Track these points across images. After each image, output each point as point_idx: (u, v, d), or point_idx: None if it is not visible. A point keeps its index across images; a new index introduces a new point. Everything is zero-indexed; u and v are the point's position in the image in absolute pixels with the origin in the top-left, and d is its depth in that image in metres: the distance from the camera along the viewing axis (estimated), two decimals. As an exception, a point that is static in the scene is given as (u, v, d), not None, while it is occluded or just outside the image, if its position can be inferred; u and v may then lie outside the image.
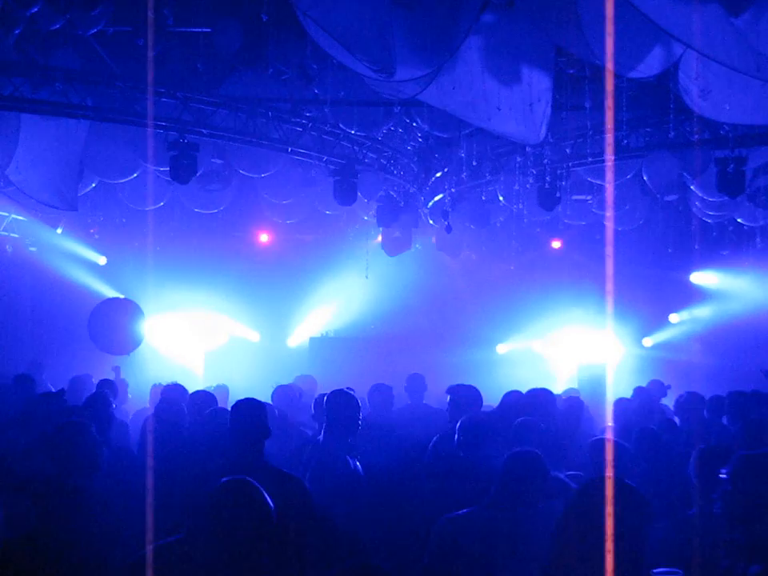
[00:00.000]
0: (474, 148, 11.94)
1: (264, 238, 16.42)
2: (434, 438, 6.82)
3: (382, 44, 6.38)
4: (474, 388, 7.30)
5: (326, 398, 5.91)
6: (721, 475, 3.87)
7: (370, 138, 11.56)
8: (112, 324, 12.15)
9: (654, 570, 3.34)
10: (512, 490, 4.58)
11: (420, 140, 12.24)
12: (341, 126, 10.68)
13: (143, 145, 10.66)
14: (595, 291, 15.99)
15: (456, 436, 6.16)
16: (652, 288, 16.56)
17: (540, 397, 7.56)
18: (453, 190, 13.10)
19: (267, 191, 12.68)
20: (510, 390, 7.99)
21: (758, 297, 16.14)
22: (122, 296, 13.57)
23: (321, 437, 5.87)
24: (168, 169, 10.43)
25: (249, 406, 5.11)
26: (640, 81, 8.28)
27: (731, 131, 10.03)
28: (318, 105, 10.55)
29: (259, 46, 9.54)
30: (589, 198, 12.72)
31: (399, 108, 10.19)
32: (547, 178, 11.49)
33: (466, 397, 7.13)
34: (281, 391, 9.60)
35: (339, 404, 5.78)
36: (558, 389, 10.88)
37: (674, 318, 17.49)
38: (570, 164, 11.45)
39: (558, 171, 11.50)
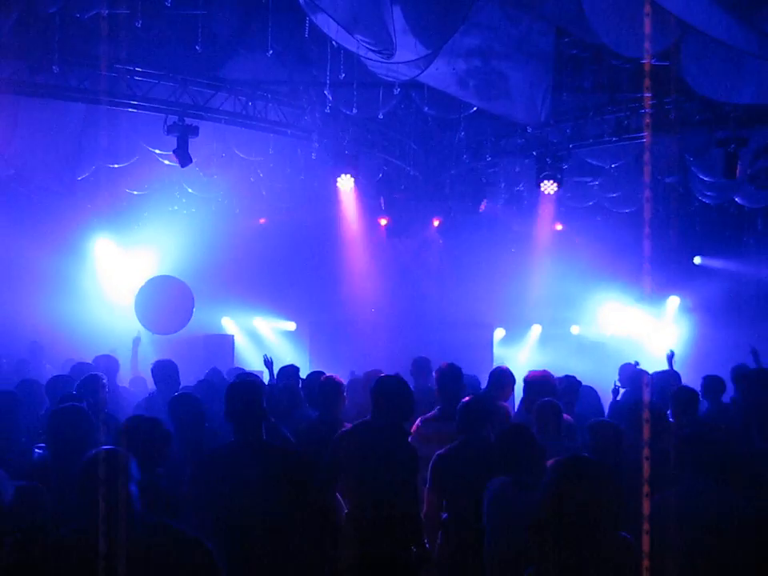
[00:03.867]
0: (474, 129, 11.91)
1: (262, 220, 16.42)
2: (418, 421, 6.84)
3: (382, 25, 6.35)
4: (459, 368, 7.29)
5: (376, 382, 5.91)
6: None
7: (369, 120, 11.52)
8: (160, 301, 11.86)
9: None
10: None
11: (420, 122, 12.19)
12: (340, 107, 10.64)
13: (142, 129, 10.64)
14: (598, 274, 16.05)
15: (457, 418, 6.17)
16: (654, 270, 16.53)
17: (539, 378, 7.60)
18: (453, 171, 13.08)
19: (266, 174, 12.66)
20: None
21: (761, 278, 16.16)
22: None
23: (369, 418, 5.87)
24: (169, 152, 10.40)
25: (245, 387, 5.15)
26: (641, 61, 8.24)
27: (732, 112, 9.99)
28: (318, 87, 10.51)
29: (258, 29, 9.49)
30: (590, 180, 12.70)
31: (399, 90, 10.15)
32: (548, 160, 11.45)
33: (452, 377, 7.10)
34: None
35: (391, 388, 5.78)
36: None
37: (674, 299, 17.49)
38: (570, 145, 11.41)
39: (559, 153, 11.46)
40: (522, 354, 17.27)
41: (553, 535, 3.17)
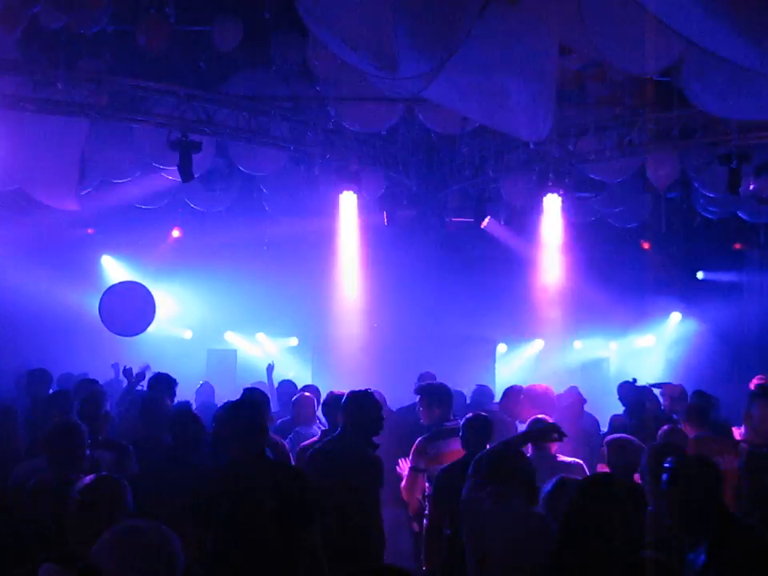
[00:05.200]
0: (477, 145, 11.92)
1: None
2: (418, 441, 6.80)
3: (385, 41, 6.36)
4: (445, 385, 7.27)
5: (346, 397, 5.93)
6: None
7: (372, 135, 11.54)
8: (123, 305, 12.04)
9: None
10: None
11: (422, 137, 12.21)
12: (343, 123, 10.66)
13: (145, 144, 10.66)
14: (598, 289, 16.02)
15: (461, 434, 6.17)
16: (657, 284, 16.54)
17: (539, 392, 7.63)
18: (455, 187, 13.09)
19: (268, 189, 12.67)
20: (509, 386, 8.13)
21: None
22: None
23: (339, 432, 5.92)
24: (171, 168, 10.41)
25: (251, 403, 5.17)
26: (643, 76, 8.26)
27: (735, 127, 9.99)
28: (321, 102, 10.54)
29: (262, 44, 9.54)
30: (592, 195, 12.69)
31: (402, 105, 10.17)
32: (550, 175, 11.45)
33: (438, 395, 7.07)
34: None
35: (361, 403, 5.82)
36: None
37: (676, 315, 17.43)
38: (573, 161, 11.41)
39: (562, 168, 11.46)
40: (523, 369, 17.22)
41: (576, 554, 3.12)
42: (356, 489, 5.63)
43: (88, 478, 4.07)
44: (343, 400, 5.90)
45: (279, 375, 11.52)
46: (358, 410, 5.79)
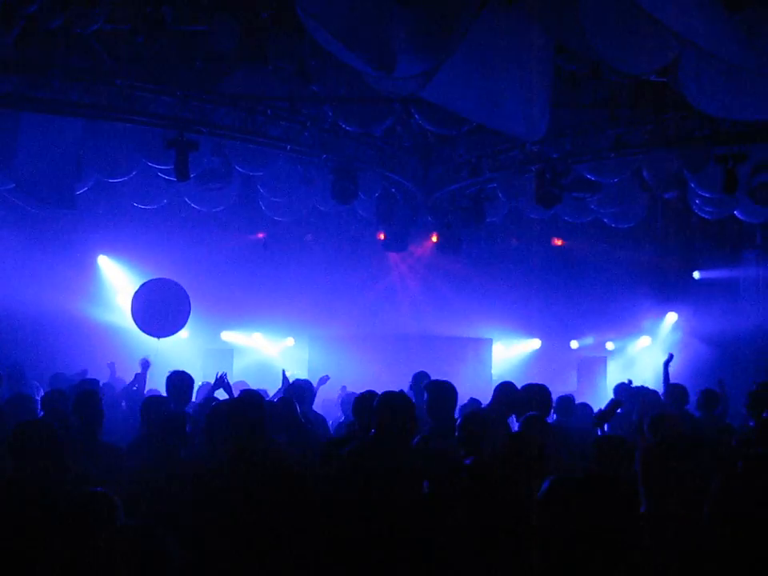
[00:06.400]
0: (474, 145, 11.93)
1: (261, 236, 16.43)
2: (416, 438, 6.75)
3: (382, 41, 6.37)
4: (451, 384, 7.21)
5: (380, 398, 5.84)
6: None
7: (369, 135, 11.54)
8: (156, 304, 11.72)
9: None
10: None
11: (419, 137, 12.22)
12: (340, 123, 10.66)
13: (141, 143, 10.65)
14: (595, 289, 16.07)
15: (457, 434, 6.16)
16: (653, 284, 16.59)
17: (536, 392, 7.61)
18: (452, 187, 13.08)
19: (265, 189, 12.66)
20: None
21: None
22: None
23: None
24: (167, 167, 10.41)
25: (249, 401, 5.18)
26: (640, 77, 8.27)
27: (731, 127, 10.01)
28: (317, 102, 10.54)
29: (258, 44, 9.54)
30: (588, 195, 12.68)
31: (399, 105, 10.18)
32: (547, 176, 11.45)
33: (444, 394, 7.00)
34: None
35: (396, 404, 5.73)
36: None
37: (672, 315, 17.45)
38: (570, 161, 11.42)
39: (558, 168, 11.46)
40: (520, 369, 17.24)
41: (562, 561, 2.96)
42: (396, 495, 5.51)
43: (79, 493, 3.95)
44: (375, 402, 5.78)
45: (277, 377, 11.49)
46: (391, 413, 5.67)
